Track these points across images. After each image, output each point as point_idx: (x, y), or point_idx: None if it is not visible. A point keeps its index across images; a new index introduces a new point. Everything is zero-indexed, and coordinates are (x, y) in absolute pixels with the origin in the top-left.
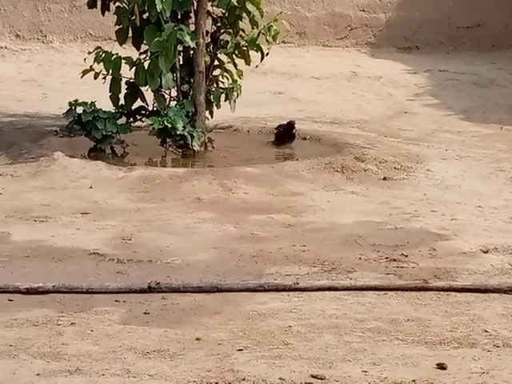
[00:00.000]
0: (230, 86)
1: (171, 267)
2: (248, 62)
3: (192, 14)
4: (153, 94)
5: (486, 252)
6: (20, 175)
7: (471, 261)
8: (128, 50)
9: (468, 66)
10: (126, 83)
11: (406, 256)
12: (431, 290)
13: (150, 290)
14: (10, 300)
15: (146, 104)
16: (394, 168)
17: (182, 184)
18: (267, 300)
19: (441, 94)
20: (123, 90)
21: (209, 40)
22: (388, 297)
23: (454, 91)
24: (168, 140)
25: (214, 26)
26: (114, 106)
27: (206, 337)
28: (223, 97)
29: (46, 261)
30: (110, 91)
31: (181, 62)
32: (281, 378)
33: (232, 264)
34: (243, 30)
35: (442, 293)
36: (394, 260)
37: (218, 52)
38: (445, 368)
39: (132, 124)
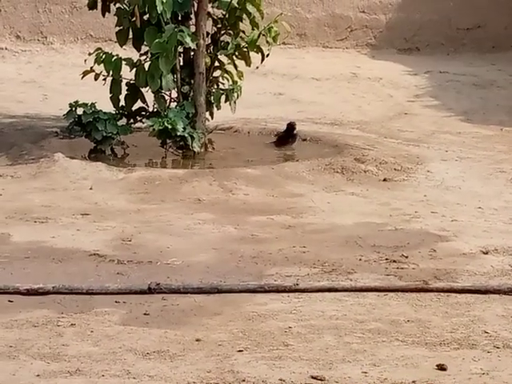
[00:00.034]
0: (231, 87)
1: (171, 268)
2: (248, 64)
3: (192, 16)
4: (153, 95)
5: (486, 253)
6: (20, 176)
7: (471, 262)
8: (128, 52)
9: (468, 67)
10: (127, 84)
11: (406, 257)
12: (431, 291)
13: (150, 291)
14: (10, 301)
15: (147, 105)
16: (394, 169)
17: (182, 185)
18: (267, 301)
19: (441, 96)
20: (123, 92)
21: (209, 41)
22: (388, 298)
23: (454, 92)
24: (168, 141)
25: (214, 28)
26: (114, 107)
27: (206, 338)
28: (223, 98)
29: (46, 262)
30: (111, 92)
31: (181, 64)
32: (281, 379)
33: (232, 265)
34: (243, 32)
35: (442, 294)
36: (394, 261)
37: (218, 53)
38: (445, 369)
39: (132, 125)
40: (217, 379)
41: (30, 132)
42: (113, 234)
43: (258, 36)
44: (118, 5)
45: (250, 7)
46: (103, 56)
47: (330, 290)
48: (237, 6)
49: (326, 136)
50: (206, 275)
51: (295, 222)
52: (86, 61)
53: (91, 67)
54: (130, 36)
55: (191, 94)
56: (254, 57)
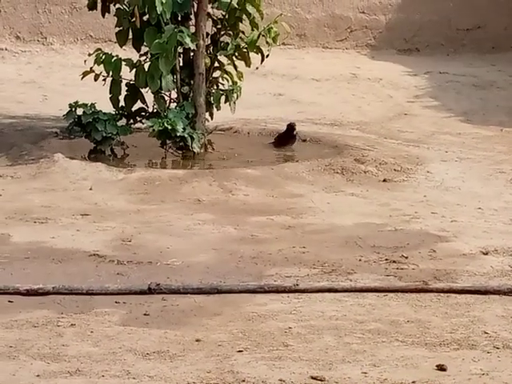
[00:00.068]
0: (230, 87)
1: (171, 268)
2: (248, 64)
3: (192, 16)
4: (153, 95)
5: (485, 254)
6: (20, 177)
7: (471, 262)
8: (128, 52)
9: (468, 67)
10: (126, 85)
11: (406, 257)
12: (431, 291)
13: (149, 291)
14: (10, 301)
15: (146, 106)
16: (394, 170)
17: (182, 185)
18: (267, 301)
19: (441, 96)
20: (123, 92)
21: (209, 42)
22: (388, 298)
23: (454, 93)
24: (168, 142)
25: (214, 28)
26: (114, 107)
27: (206, 338)
28: (223, 98)
29: (45, 262)
30: (110, 93)
31: (181, 64)
32: (281, 380)
33: (232, 265)
34: (243, 32)
35: (441, 294)
36: (394, 261)
37: (218, 54)
38: (445, 369)
39: (132, 126)
40: (217, 379)
41: (29, 132)
42: (113, 235)
43: (258, 37)
44: (117, 5)
45: (249, 8)
46: (103, 56)
47: (329, 290)
48: (236, 6)
49: (326, 136)
50: (205, 275)
51: (295, 223)
52: (85, 61)
53: (91, 68)
54: (130, 36)
55: (191, 94)
56: (254, 57)
